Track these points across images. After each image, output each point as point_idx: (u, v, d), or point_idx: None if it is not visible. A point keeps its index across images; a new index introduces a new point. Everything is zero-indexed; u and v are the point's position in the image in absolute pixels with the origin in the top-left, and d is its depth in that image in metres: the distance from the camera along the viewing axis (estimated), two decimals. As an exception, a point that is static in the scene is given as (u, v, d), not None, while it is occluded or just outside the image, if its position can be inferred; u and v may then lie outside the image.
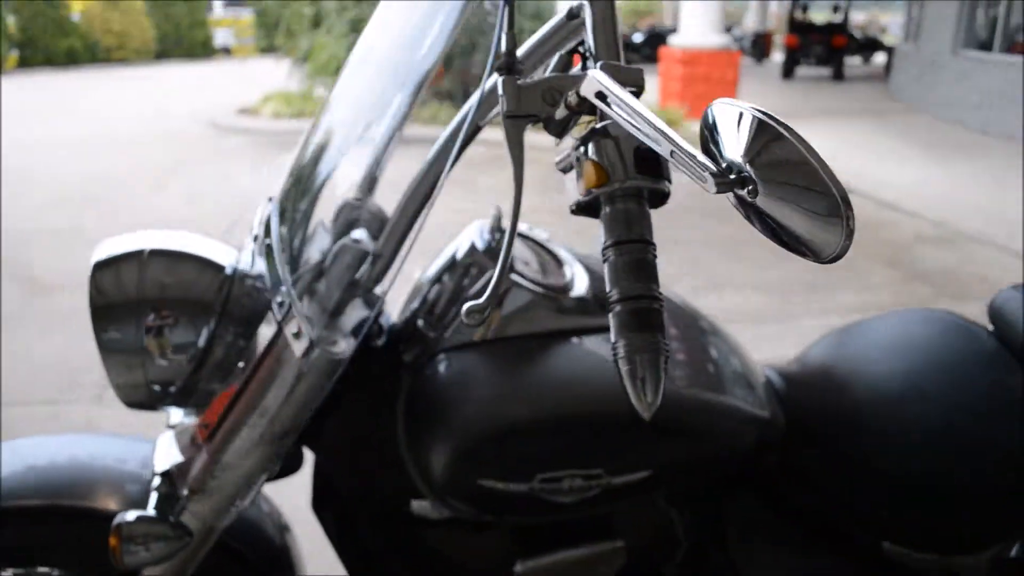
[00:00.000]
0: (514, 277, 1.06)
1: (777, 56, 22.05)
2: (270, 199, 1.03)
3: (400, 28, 1.03)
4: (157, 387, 0.98)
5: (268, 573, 1.26)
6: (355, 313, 1.00)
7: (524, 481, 1.00)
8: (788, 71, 16.68)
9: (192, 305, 0.97)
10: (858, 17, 19.67)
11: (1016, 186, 6.29)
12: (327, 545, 1.19)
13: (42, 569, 1.19)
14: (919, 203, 5.88)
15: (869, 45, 20.37)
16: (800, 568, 1.28)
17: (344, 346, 0.92)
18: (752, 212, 0.53)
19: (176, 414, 1.13)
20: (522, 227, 1.16)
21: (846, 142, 8.47)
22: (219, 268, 1.00)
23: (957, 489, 1.24)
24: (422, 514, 1.17)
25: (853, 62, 18.52)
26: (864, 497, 1.25)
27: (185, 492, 0.97)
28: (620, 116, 0.57)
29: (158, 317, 0.95)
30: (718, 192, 0.51)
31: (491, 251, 1.07)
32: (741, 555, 1.25)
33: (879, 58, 20.36)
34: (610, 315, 0.61)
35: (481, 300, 0.62)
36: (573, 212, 0.67)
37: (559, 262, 1.15)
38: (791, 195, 0.49)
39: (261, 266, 1.02)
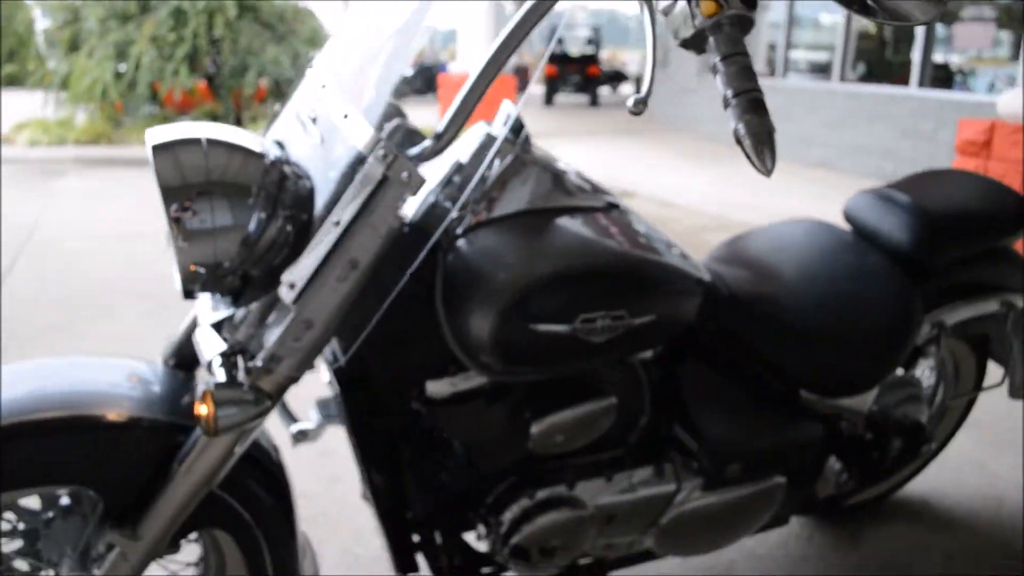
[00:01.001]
0: (532, 157, 1.21)
1: (535, 87, 23.39)
2: (323, 86, 1.10)
3: None
4: (211, 271, 1.03)
5: (275, 480, 1.30)
6: None
7: (568, 322, 1.15)
8: (549, 98, 17.74)
9: (245, 191, 1.02)
10: (601, 54, 21.30)
11: (765, 186, 7.20)
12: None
13: (60, 489, 1.17)
14: (694, 200, 6.58)
15: (616, 76, 22.12)
16: (742, 419, 1.51)
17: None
18: (860, 2, 0.78)
19: (205, 309, 1.17)
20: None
21: (620, 156, 9.22)
22: (262, 156, 1.06)
23: (845, 342, 1.54)
24: (437, 394, 1.28)
25: (603, 92, 20.00)
26: (783, 355, 1.51)
27: (259, 362, 1.02)
28: None
29: (218, 201, 1.00)
30: None
31: (512, 132, 1.21)
32: (696, 411, 1.46)
33: (625, 88, 22.21)
34: (729, 108, 0.83)
35: (642, 93, 0.83)
36: (681, 45, 0.89)
37: (553, 158, 1.31)
38: None
39: (313, 146, 1.09)
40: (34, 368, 1.22)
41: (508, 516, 1.36)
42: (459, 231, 1.20)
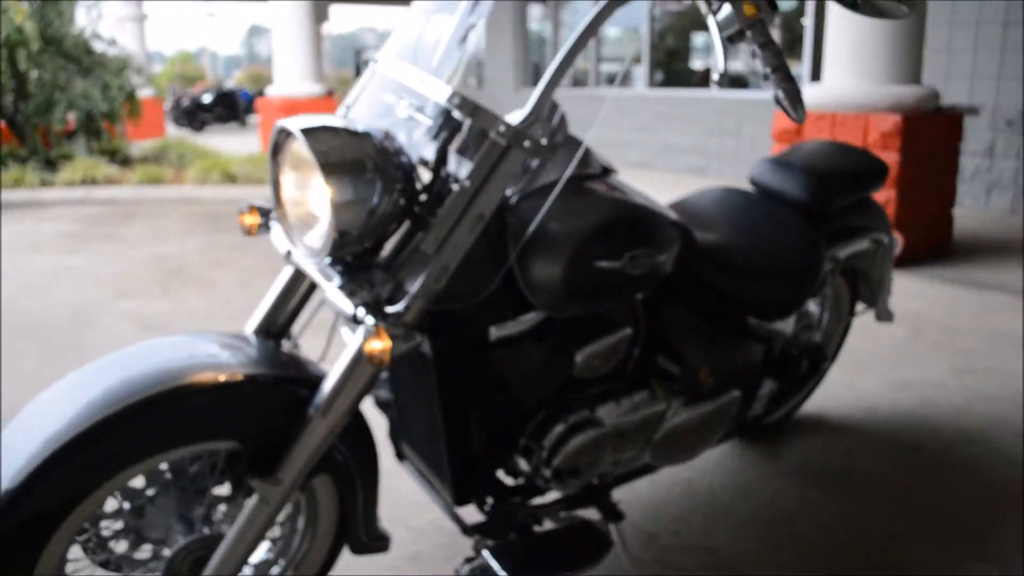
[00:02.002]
0: (566, 136, 1.49)
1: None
2: (421, 80, 1.33)
3: None
4: (346, 237, 1.24)
5: (364, 430, 1.51)
6: None
7: (619, 259, 1.45)
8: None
9: (371, 169, 1.25)
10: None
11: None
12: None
13: (213, 444, 1.32)
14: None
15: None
16: (711, 344, 1.86)
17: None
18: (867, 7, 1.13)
19: (320, 278, 1.36)
20: None
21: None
22: (374, 138, 1.29)
23: (778, 275, 1.93)
24: (498, 337, 1.53)
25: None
26: (736, 289, 1.88)
27: (401, 307, 1.25)
28: None
29: (358, 177, 1.23)
30: None
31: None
32: (677, 340, 1.80)
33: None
34: (769, 80, 1.18)
35: (722, 70, 1.16)
36: (727, 39, 1.22)
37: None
38: None
39: (408, 128, 1.33)
40: (139, 351, 1.35)
41: (548, 441, 1.62)
42: (514, 199, 1.46)
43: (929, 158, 4.68)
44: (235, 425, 1.31)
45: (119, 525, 1.41)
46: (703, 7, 1.28)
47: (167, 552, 1.43)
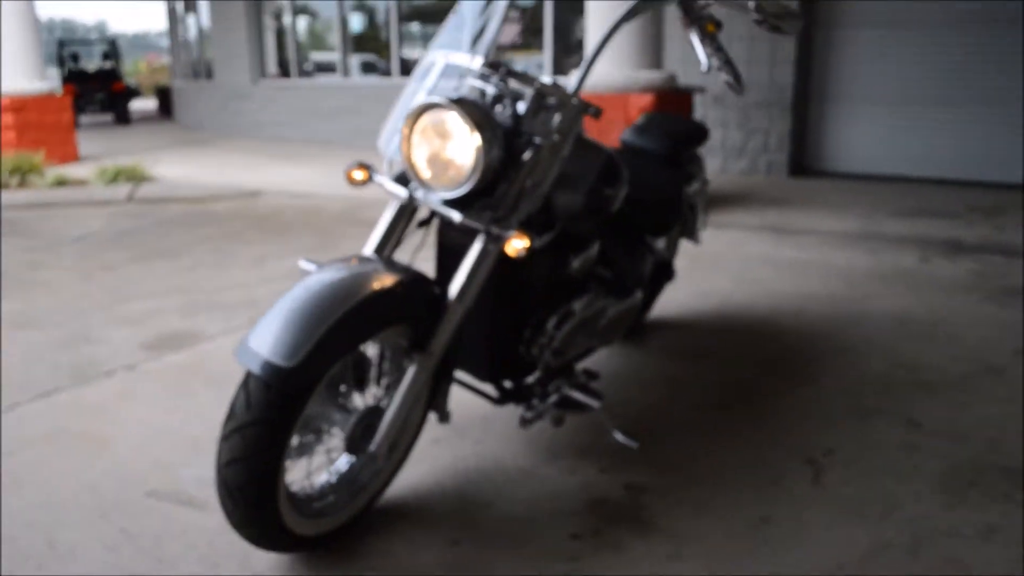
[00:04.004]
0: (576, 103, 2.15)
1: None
2: (503, 67, 1.92)
3: None
4: (482, 174, 1.82)
5: None
6: None
7: (615, 187, 2.14)
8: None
9: (494, 127, 1.83)
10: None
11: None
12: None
13: (394, 329, 1.83)
14: (320, 190, 7.44)
15: (134, 92, 21.26)
16: (630, 255, 2.62)
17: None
18: (769, 25, 1.92)
19: (445, 208, 1.91)
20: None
21: (211, 164, 9.57)
22: (485, 106, 1.87)
23: (662, 203, 2.73)
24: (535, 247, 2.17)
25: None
26: (636, 214, 2.64)
27: (514, 222, 1.85)
28: None
29: (494, 132, 1.81)
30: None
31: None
32: (611, 253, 2.53)
33: (141, 103, 21.63)
34: (723, 69, 1.94)
35: (705, 64, 1.89)
36: (700, 42, 1.95)
37: None
38: (789, 17, 1.89)
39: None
40: (325, 275, 1.78)
41: (549, 327, 2.29)
42: None
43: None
44: (406, 312, 1.84)
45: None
46: (687, 26, 2.01)
47: (311, 438, 1.91)
